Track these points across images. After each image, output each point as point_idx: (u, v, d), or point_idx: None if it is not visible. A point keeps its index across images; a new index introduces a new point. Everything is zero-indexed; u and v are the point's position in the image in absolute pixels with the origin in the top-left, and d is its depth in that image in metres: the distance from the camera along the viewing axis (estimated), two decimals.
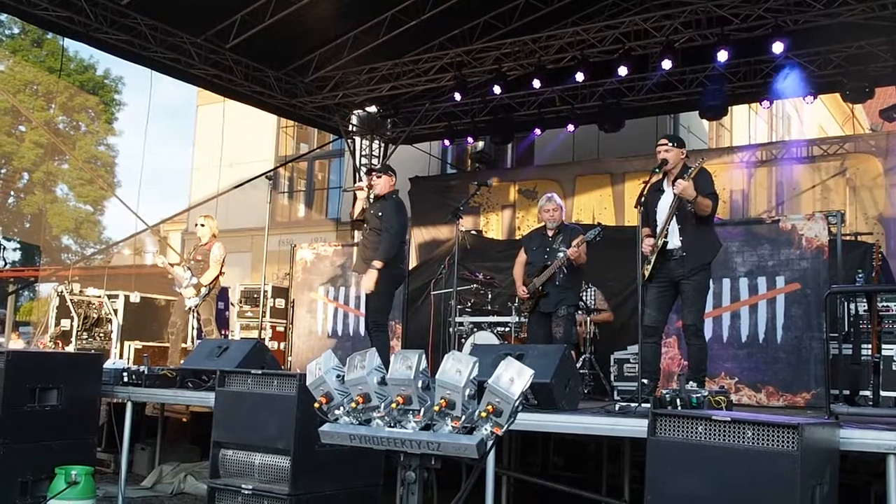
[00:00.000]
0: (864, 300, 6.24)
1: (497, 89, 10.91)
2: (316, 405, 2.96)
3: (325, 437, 2.92)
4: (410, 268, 10.11)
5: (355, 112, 13.23)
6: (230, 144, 18.77)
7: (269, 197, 8.10)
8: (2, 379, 5.06)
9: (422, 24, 10.54)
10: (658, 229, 5.39)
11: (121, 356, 9.33)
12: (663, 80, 11.17)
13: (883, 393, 5.78)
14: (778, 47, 9.10)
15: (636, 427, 4.15)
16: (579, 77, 10.32)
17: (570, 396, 4.80)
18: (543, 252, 6.71)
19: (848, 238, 8.33)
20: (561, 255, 6.57)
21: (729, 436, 3.22)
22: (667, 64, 9.69)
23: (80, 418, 5.46)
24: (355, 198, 6.80)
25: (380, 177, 6.66)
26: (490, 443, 2.67)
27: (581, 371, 7.34)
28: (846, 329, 6.43)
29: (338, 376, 2.96)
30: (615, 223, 11.85)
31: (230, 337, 10.13)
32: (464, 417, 2.67)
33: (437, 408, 2.69)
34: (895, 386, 5.72)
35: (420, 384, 2.76)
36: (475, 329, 8.09)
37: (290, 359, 9.97)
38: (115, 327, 9.69)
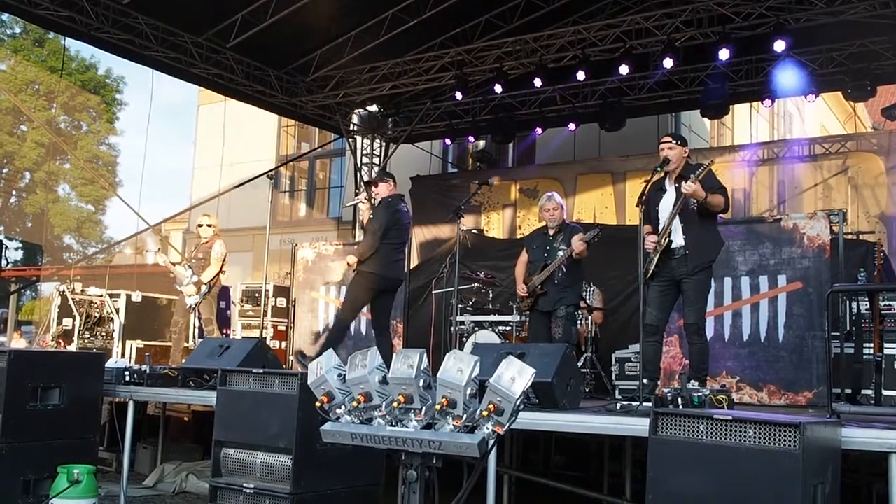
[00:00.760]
0: (866, 299, 6.23)
1: (498, 88, 10.90)
2: (317, 404, 2.96)
3: (327, 436, 2.92)
4: (412, 266, 10.12)
5: (356, 111, 13.22)
6: (231, 144, 18.78)
7: (271, 196, 8.11)
8: (4, 378, 5.07)
9: (423, 23, 10.54)
10: (661, 228, 5.39)
11: (122, 355, 9.34)
12: (664, 79, 11.16)
13: (885, 392, 5.78)
14: (780, 45, 9.09)
15: (638, 426, 4.15)
16: (580, 76, 10.30)
17: (572, 395, 4.80)
18: (543, 251, 6.72)
19: (850, 237, 8.33)
20: (561, 253, 6.57)
21: (730, 435, 3.22)
22: (668, 62, 9.67)
23: (83, 417, 5.47)
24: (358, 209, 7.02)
25: (377, 185, 6.82)
26: (491, 442, 2.67)
27: (582, 370, 7.34)
28: (848, 328, 6.43)
29: (339, 375, 2.96)
30: (616, 222, 11.84)
31: (232, 336, 10.14)
32: (465, 416, 2.67)
33: (438, 407, 2.69)
34: None
35: (421, 383, 2.76)
36: (476, 328, 8.09)
37: (291, 358, 9.97)
38: (116, 326, 9.70)
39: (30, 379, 5.19)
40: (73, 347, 9.42)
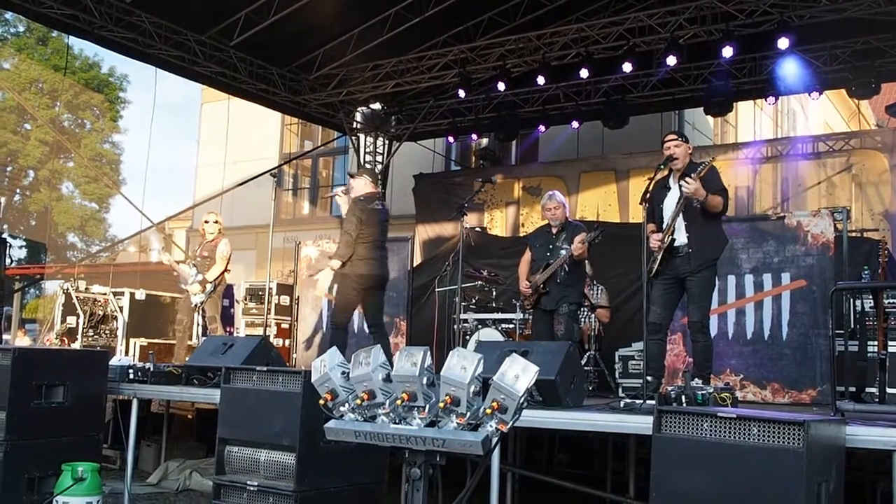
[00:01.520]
0: (871, 297, 6.22)
1: (501, 86, 10.89)
2: (321, 402, 2.96)
3: (330, 434, 2.92)
4: (416, 264, 10.13)
5: (359, 109, 13.22)
6: (234, 142, 18.79)
7: (274, 194, 8.11)
8: (8, 376, 5.07)
9: (426, 21, 10.53)
10: (665, 226, 5.38)
11: (126, 353, 9.37)
12: (668, 77, 11.14)
13: (889, 390, 5.75)
14: (784, 43, 9.07)
15: (641, 424, 4.14)
16: (583, 73, 10.30)
17: (575, 393, 4.80)
18: (546, 250, 6.72)
19: (854, 234, 8.32)
20: (563, 252, 6.57)
21: (734, 433, 3.21)
22: (671, 60, 9.66)
23: (86, 415, 5.48)
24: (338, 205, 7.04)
25: (353, 179, 6.81)
26: (495, 439, 2.67)
27: (586, 368, 7.34)
28: (852, 326, 6.42)
29: (343, 373, 2.96)
30: (619, 220, 11.84)
31: (235, 334, 10.15)
32: (469, 414, 2.67)
33: (441, 404, 2.69)
34: None
35: (425, 381, 2.76)
36: (479, 326, 8.09)
37: (294, 356, 9.98)
38: (120, 324, 9.72)
39: (34, 377, 5.20)
40: (76, 345, 9.44)
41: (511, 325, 7.99)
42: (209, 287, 7.72)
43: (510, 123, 12.49)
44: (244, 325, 10.64)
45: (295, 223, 19.04)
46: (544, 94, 12.05)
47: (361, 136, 13.46)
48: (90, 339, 9.62)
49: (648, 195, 5.26)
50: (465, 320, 8.12)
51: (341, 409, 2.93)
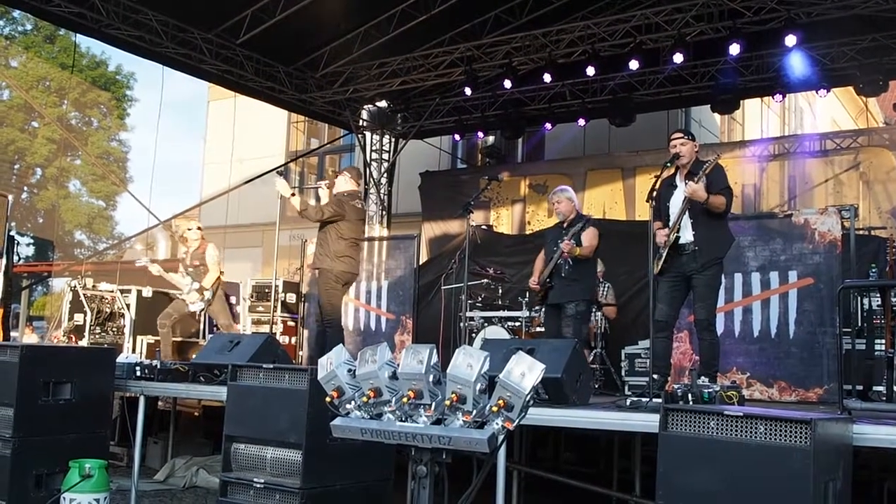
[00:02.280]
0: (878, 295, 6.20)
1: (507, 84, 10.88)
2: (327, 399, 2.97)
3: (337, 432, 2.92)
4: (422, 262, 10.14)
5: (366, 107, 13.23)
6: (241, 140, 18.83)
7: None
8: (16, 373, 5.10)
9: (432, 19, 10.53)
10: (671, 224, 5.37)
11: (133, 350, 9.38)
12: (674, 74, 11.12)
13: None
14: (791, 40, 9.03)
15: (647, 422, 4.14)
16: (590, 71, 10.28)
17: (581, 391, 4.79)
18: (554, 244, 6.72)
19: (861, 232, 8.29)
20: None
21: (741, 431, 3.20)
22: (678, 57, 9.64)
23: (94, 412, 5.50)
24: (319, 197, 7.11)
25: (336, 176, 6.91)
26: (501, 437, 2.67)
27: (592, 366, 7.33)
28: (859, 324, 6.40)
29: (349, 370, 2.96)
30: (626, 218, 11.82)
31: (241, 331, 10.17)
32: (475, 412, 2.67)
33: (448, 402, 2.69)
34: None
35: (431, 379, 2.76)
36: (486, 324, 8.09)
37: (301, 353, 10.00)
38: (127, 322, 9.74)
39: (41, 374, 5.22)
40: (84, 343, 9.47)
41: (517, 323, 7.99)
42: (207, 294, 7.72)
43: (516, 121, 12.49)
44: (250, 322, 10.66)
45: (301, 221, 18.99)
46: (550, 91, 12.04)
47: (368, 134, 13.48)
48: (97, 336, 9.65)
49: (655, 193, 5.24)
50: (472, 318, 8.12)
51: (347, 406, 2.93)
